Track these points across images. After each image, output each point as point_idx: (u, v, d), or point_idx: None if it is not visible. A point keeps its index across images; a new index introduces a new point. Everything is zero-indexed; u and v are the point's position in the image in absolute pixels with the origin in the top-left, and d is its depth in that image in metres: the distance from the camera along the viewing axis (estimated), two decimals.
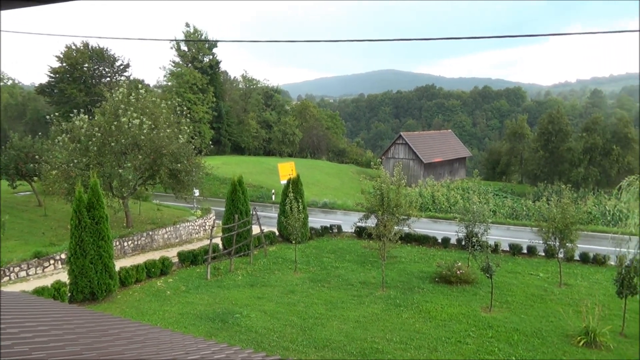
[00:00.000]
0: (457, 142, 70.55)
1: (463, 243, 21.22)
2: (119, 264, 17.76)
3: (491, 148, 75.54)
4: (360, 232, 24.07)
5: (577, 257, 20.48)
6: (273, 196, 37.17)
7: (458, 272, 17.32)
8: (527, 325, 13.81)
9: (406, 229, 21.33)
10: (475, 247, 17.48)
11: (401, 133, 61.66)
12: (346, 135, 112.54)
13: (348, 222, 26.14)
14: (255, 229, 22.15)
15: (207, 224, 26.68)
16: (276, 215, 25.32)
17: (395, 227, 18.44)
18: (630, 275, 13.00)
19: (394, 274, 18.76)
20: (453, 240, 22.75)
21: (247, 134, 71.69)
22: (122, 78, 55.47)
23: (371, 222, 20.63)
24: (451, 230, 21.91)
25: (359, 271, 19.28)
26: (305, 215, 22.92)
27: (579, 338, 12.66)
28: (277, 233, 24.28)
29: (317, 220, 28.72)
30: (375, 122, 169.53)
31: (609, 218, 32.67)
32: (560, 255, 18.24)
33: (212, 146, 44.21)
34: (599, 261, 20.25)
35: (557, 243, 17.39)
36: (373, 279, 18.11)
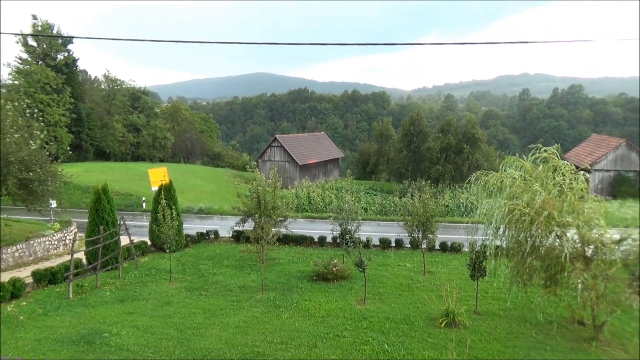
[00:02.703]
0: (330, 144, 73.25)
1: (338, 240, 22.09)
2: None
3: (361, 149, 79.69)
4: (238, 236, 23.83)
5: (437, 247, 22.52)
6: (144, 204, 35.05)
7: (334, 269, 17.99)
8: (397, 313, 14.83)
9: (284, 231, 21.63)
10: (349, 243, 18.33)
11: (276, 136, 62.23)
12: (221, 138, 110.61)
13: (225, 226, 25.69)
14: (125, 240, 20.71)
15: (68, 237, 24.25)
16: (148, 223, 23.93)
17: (273, 229, 18.59)
18: (480, 260, 14.67)
19: (273, 275, 18.87)
20: (329, 239, 23.58)
21: (112, 138, 66.64)
22: None
23: (249, 226, 20.52)
24: (327, 229, 22.69)
25: (238, 276, 19.05)
26: (180, 222, 22.06)
27: (441, 320, 13.94)
28: (149, 243, 22.97)
29: (193, 226, 27.76)
30: (251, 124, 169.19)
31: (462, 209, 36.48)
32: (424, 246, 19.94)
33: (71, 152, 40.43)
34: (455, 249, 22.52)
35: (420, 235, 19.01)
36: (252, 283, 18.02)
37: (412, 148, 57.46)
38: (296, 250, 23.12)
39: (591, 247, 12.85)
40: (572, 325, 14.06)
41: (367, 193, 47.78)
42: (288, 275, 19.03)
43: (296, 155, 58.31)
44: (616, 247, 12.68)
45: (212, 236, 25.32)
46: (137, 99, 75.15)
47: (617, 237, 12.82)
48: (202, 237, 24.89)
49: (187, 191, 43.32)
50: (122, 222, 20.23)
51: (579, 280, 11.98)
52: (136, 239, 22.06)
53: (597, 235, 12.68)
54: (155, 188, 26.39)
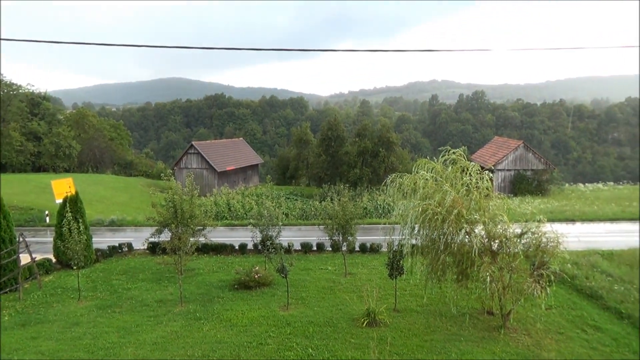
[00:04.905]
0: (249, 150, 72.44)
1: (259, 247, 21.84)
2: None
3: (281, 154, 79.66)
4: (154, 248, 22.74)
5: (357, 248, 23.00)
6: (47, 218, 32.39)
7: (256, 276, 17.76)
8: (320, 317, 14.95)
9: (203, 240, 20.96)
10: (270, 249, 18.18)
11: (193, 142, 60.37)
12: (134, 146, 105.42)
13: (140, 238, 24.36)
14: (25, 259, 18.98)
15: None
16: (52, 239, 22.14)
17: (191, 239, 17.97)
18: (397, 259, 15.21)
19: (193, 287, 18.25)
20: (250, 246, 23.25)
21: (8, 147, 60.88)
22: None
23: (165, 236, 19.66)
24: (248, 236, 22.34)
25: (155, 289, 18.19)
26: (88, 235, 20.70)
27: (362, 320, 14.26)
28: (54, 260, 21.26)
29: (104, 240, 26.10)
30: (165, 131, 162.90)
31: (380, 211, 37.59)
32: (344, 248, 20.28)
33: None
34: (374, 250, 23.16)
35: (341, 237, 19.32)
36: (170, 296, 17.30)
37: (330, 152, 58.36)
38: (216, 259, 22.55)
39: (496, 241, 13.81)
40: (482, 316, 15.00)
41: (288, 198, 47.78)
42: (208, 285, 18.51)
43: (214, 162, 56.98)
44: (518, 240, 13.73)
45: (126, 249, 23.98)
46: (37, 104, 69.46)
47: (518, 231, 13.90)
48: (114, 250, 23.49)
49: (97, 203, 40.71)
50: (21, 239, 18.55)
51: (487, 273, 12.81)
52: (39, 257, 20.38)
53: (501, 231, 13.66)
54: (59, 200, 24.47)
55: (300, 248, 23.38)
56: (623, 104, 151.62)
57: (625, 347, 12.94)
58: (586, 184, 56.59)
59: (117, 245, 23.88)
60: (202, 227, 19.90)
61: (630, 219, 30.55)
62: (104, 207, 39.80)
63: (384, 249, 21.89)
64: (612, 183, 56.23)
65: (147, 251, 23.63)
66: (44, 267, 20.26)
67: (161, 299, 17.04)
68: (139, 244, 23.93)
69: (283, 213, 30.92)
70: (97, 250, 22.59)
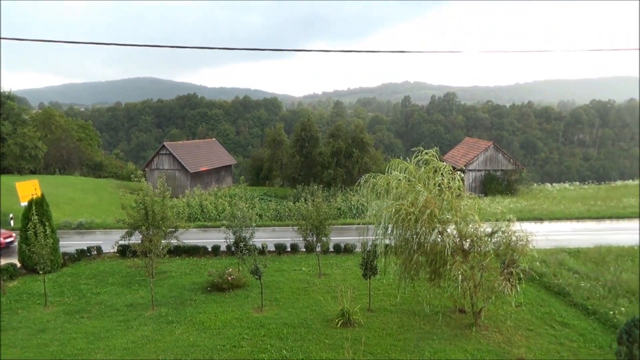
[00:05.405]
0: (222, 151, 71.72)
1: (233, 249, 21.62)
2: None
3: (254, 155, 79.13)
4: (124, 251, 22.30)
5: (331, 249, 23.01)
6: (12, 221, 31.33)
7: (229, 278, 17.58)
8: (295, 318, 14.89)
9: (174, 242, 20.62)
10: (244, 251, 18.03)
11: (164, 143, 59.40)
12: (103, 147, 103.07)
13: (110, 241, 23.83)
14: None
15: None
16: (17, 243, 21.42)
17: (163, 241, 17.66)
18: (371, 259, 15.28)
19: (165, 290, 17.94)
20: (223, 248, 23.00)
21: None
22: None
23: (136, 239, 19.27)
24: (221, 238, 22.09)
25: (125, 293, 17.80)
26: (55, 239, 20.10)
27: (337, 320, 14.28)
28: (18, 264, 20.56)
29: (72, 243, 25.38)
30: (136, 132, 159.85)
31: (354, 211, 37.77)
32: (318, 249, 20.28)
33: None
34: (348, 250, 23.23)
35: (315, 238, 19.31)
36: (141, 299, 16.95)
37: (304, 153, 58.28)
38: (189, 262, 22.23)
39: (468, 240, 14.02)
40: (454, 314, 15.21)
41: (262, 199, 47.48)
42: (181, 288, 18.22)
43: (187, 162, 56.19)
44: (489, 239, 13.98)
45: (95, 252, 23.40)
46: (1, 104, 67.16)
47: (489, 230, 14.15)
48: (82, 254, 22.88)
49: (64, 205, 39.58)
50: None
51: (459, 272, 13.00)
52: (3, 261, 19.78)
53: (472, 230, 13.88)
54: (24, 203, 23.70)
55: (274, 249, 23.26)
56: (588, 106, 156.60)
57: (592, 342, 13.32)
58: (553, 183, 58.16)
59: (85, 248, 23.27)
60: (174, 229, 19.58)
61: (596, 217, 31.53)
62: (71, 209, 38.74)
63: (358, 249, 21.96)
64: (577, 183, 57.92)
65: (117, 254, 23.13)
66: (8, 272, 19.57)
67: (132, 303, 16.68)
68: (109, 247, 23.45)
69: (257, 214, 30.70)
70: (65, 254, 21.95)
